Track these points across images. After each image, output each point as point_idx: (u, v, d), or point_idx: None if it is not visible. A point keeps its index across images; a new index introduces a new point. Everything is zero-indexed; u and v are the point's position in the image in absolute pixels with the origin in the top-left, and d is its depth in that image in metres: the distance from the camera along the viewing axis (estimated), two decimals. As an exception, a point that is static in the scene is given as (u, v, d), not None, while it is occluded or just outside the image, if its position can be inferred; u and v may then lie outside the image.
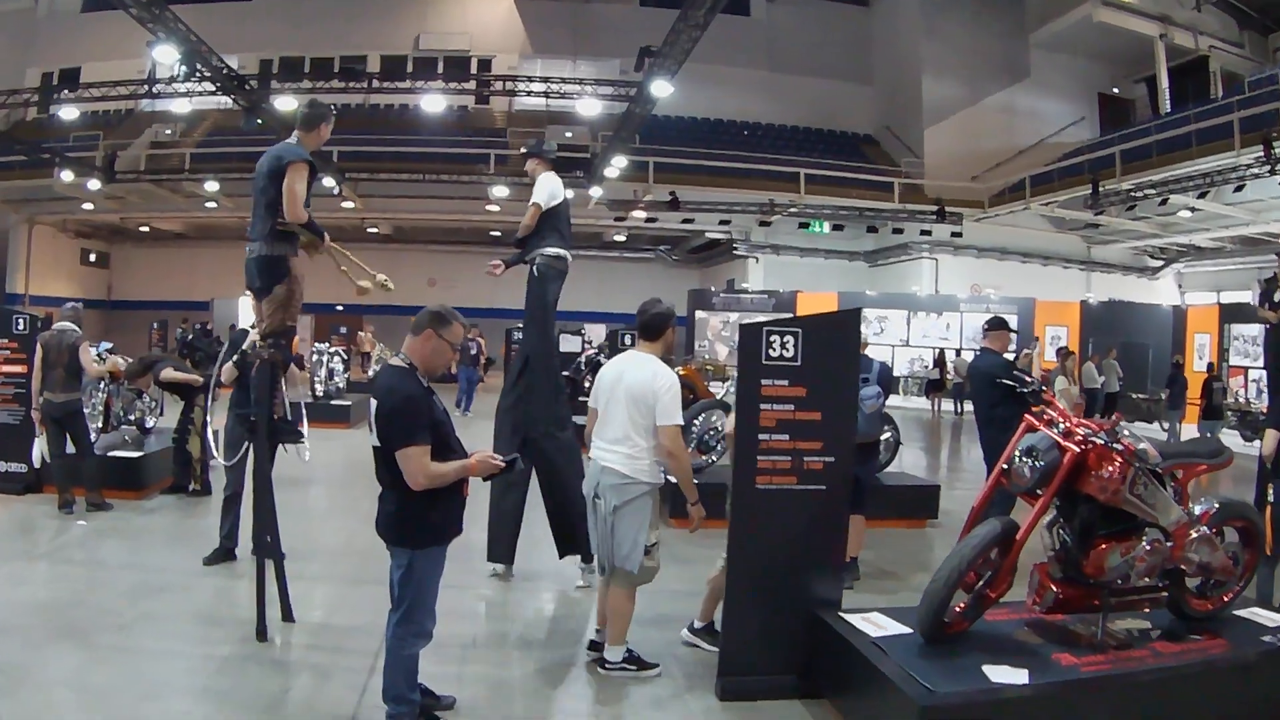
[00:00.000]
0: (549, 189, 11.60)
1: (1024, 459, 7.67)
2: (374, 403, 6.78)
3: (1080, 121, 47.13)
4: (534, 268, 11.78)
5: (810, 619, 8.23)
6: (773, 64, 50.58)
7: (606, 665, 8.78)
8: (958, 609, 7.56)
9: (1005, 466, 7.84)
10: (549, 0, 50.88)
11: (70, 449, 15.24)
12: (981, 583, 7.62)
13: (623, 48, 38.77)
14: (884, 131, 50.29)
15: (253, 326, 10.62)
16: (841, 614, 8.18)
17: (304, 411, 13.26)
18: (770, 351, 8.09)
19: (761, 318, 34.00)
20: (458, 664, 9.00)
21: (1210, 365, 32.94)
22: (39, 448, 15.76)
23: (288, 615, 9.86)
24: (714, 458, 15.70)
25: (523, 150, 12.27)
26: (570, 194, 34.29)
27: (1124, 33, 41.18)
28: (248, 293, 9.87)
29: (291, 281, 9.56)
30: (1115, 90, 48.34)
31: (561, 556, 11.93)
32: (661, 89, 29.63)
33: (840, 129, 51.15)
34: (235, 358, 10.92)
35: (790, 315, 21.99)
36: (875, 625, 7.87)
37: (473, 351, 32.52)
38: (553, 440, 11.73)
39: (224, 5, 48.86)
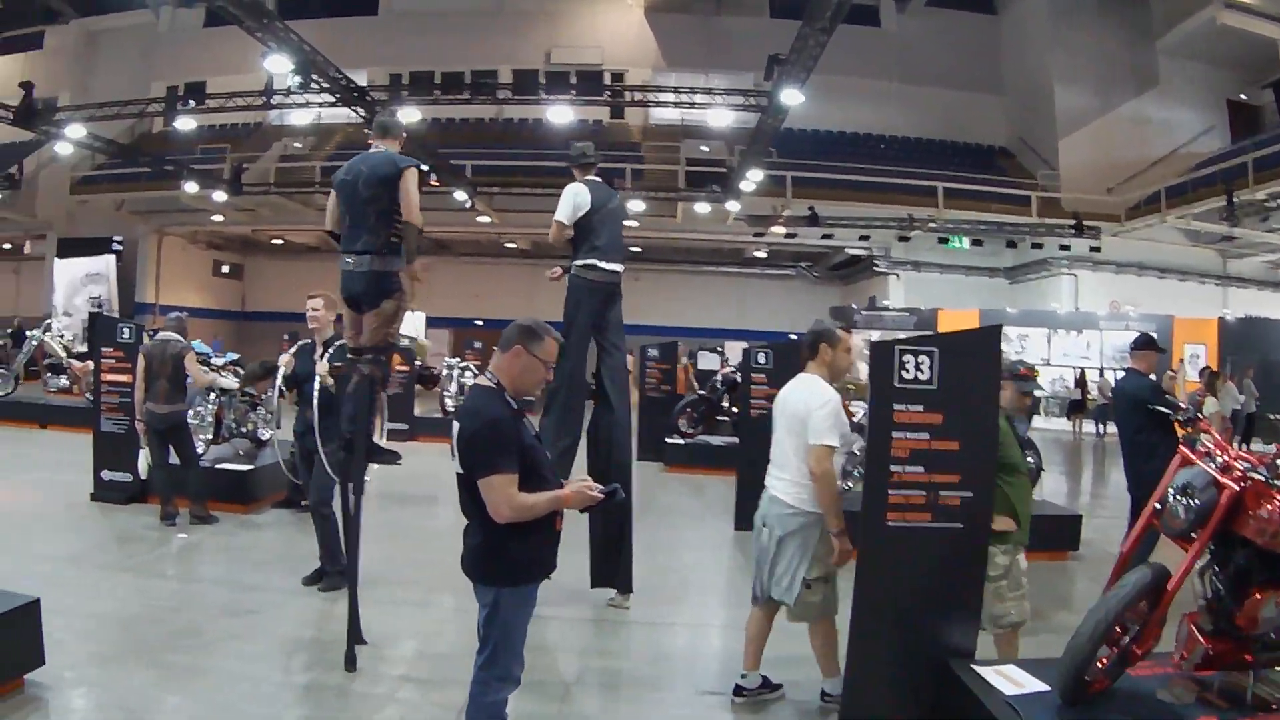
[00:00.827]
0: (572, 202, 11.17)
1: (1179, 497, 6.96)
2: (456, 425, 6.16)
3: (1211, 130, 45.88)
4: (569, 279, 11.44)
5: (941, 670, 7.57)
6: (905, 75, 49.51)
7: (826, 697, 8.43)
8: (1100, 664, 6.89)
9: (1158, 506, 7.18)
10: (680, 13, 50.40)
11: (174, 460, 15.22)
12: (1128, 637, 6.95)
13: (755, 61, 38.04)
14: (1018, 143, 49.27)
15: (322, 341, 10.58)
16: (975, 666, 7.47)
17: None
18: (904, 373, 7.46)
19: (902, 336, 33.64)
20: (559, 703, 8.54)
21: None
22: (145, 458, 15.79)
23: (359, 638, 9.38)
24: (850, 484, 15.11)
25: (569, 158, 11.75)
26: (707, 209, 33.81)
27: (1248, 36, 39.69)
28: (343, 310, 9.60)
29: (402, 296, 9.25)
30: (1243, 97, 46.95)
31: (594, 586, 11.47)
32: (791, 97, 29.15)
33: (974, 141, 50.23)
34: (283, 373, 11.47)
35: (928, 333, 21.37)
36: (1011, 681, 7.12)
37: (620, 369, 31.01)
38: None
39: (352, 20, 49.62)
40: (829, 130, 49.20)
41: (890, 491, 7.45)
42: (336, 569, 11.35)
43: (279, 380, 12.97)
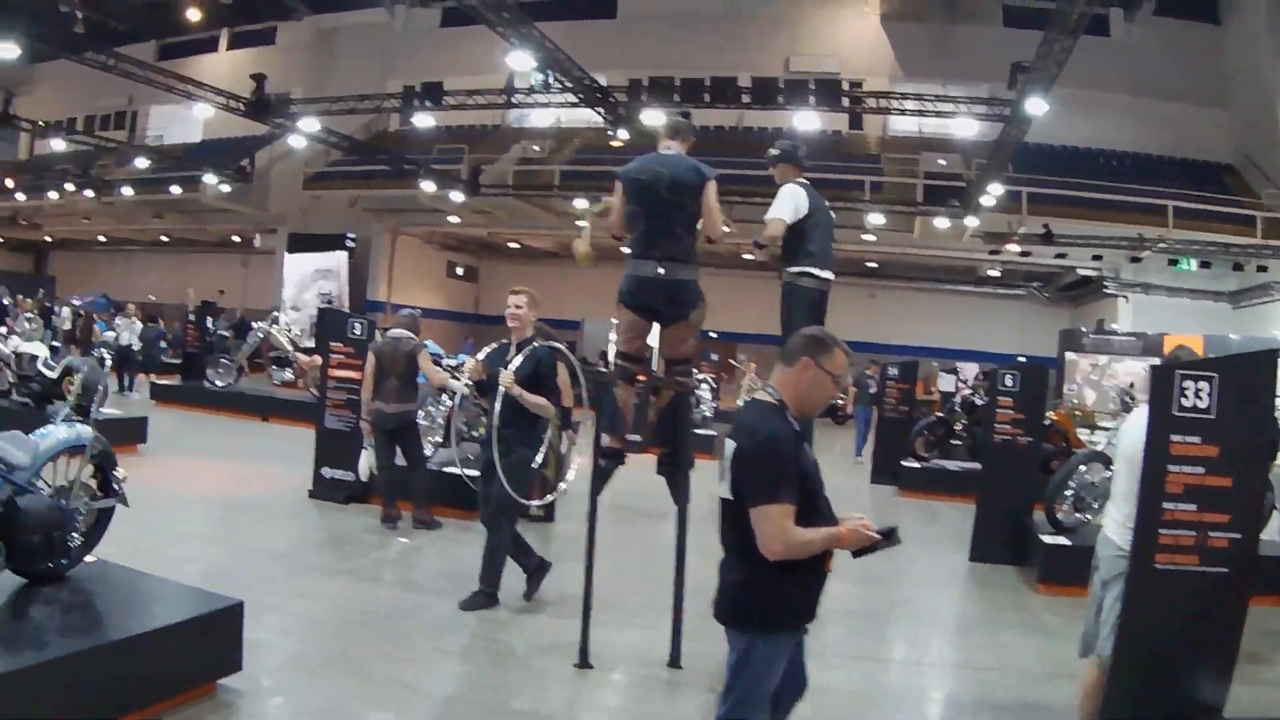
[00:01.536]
0: (793, 202, 10.40)
1: None
2: (730, 444, 5.49)
3: None
4: (781, 287, 10.68)
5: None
6: (1133, 87, 47.65)
7: None
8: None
9: None
10: (915, 22, 49.49)
11: (400, 461, 14.90)
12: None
13: (989, 71, 37.47)
14: (1244, 161, 47.00)
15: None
16: (1223, 726, 6.90)
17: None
18: (1183, 400, 6.87)
19: (1131, 362, 32.99)
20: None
21: None
22: (366, 459, 15.49)
23: (585, 661, 9.07)
24: (1089, 516, 14.39)
25: (771, 153, 11.05)
26: (947, 224, 33.24)
27: None
28: (622, 315, 9.30)
29: (704, 305, 9.11)
30: None
31: None
32: (1036, 107, 28.64)
33: (1201, 158, 47.98)
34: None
35: (1159, 360, 20.74)
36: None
37: (871, 389, 29.58)
38: None
39: (590, 23, 49.25)
40: (1061, 145, 47.72)
41: (1161, 530, 6.88)
42: (487, 590, 10.86)
43: (461, 384, 12.42)
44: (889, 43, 49.38)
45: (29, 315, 24.16)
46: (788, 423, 5.49)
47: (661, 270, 8.72)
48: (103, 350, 23.02)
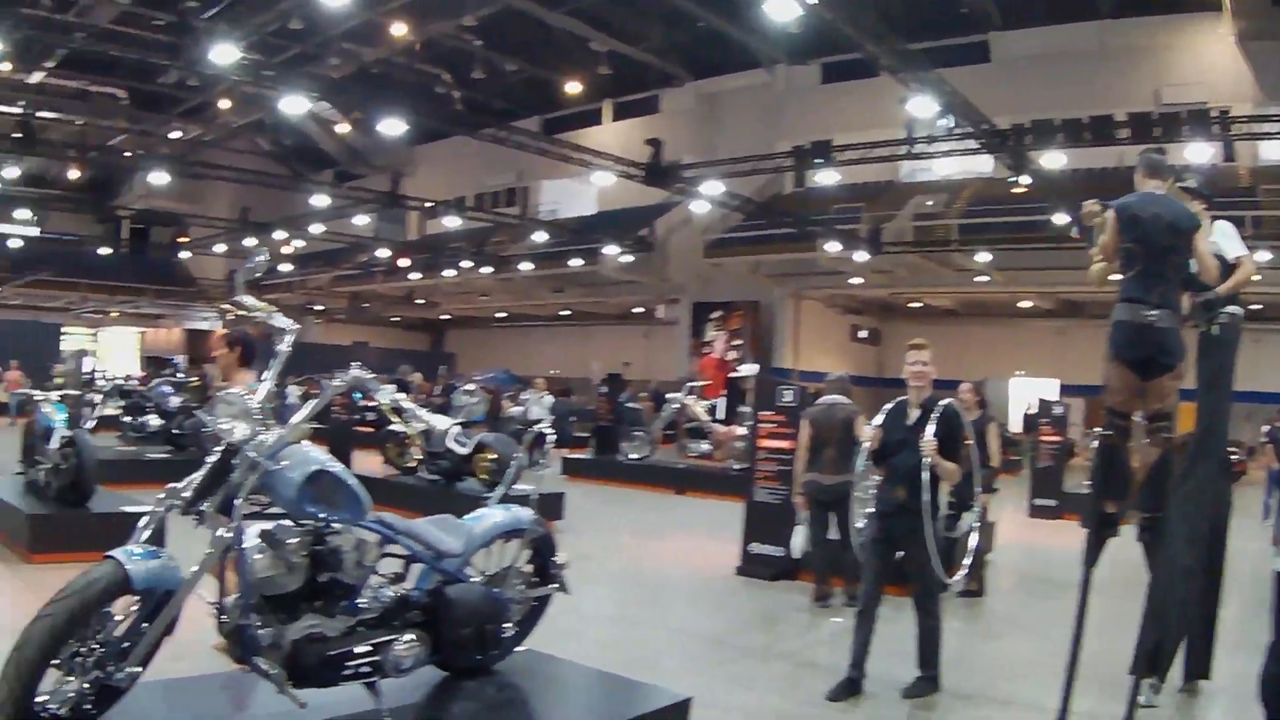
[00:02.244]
0: (1238, 235, 9.80)
1: None
2: None
3: None
4: (1214, 327, 9.35)
5: None
6: None
7: None
8: None
9: None
10: (1270, 40, 45.46)
11: (833, 534, 14.10)
12: None
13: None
14: None
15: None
16: None
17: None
18: None
19: None
20: None
21: None
22: (799, 535, 14.62)
23: None
24: None
25: (1186, 185, 9.88)
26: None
27: None
28: (1111, 368, 8.53)
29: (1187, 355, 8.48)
30: None
31: (1132, 673, 8.73)
32: None
33: None
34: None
35: None
36: None
37: (1288, 444, 26.24)
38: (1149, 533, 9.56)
39: (966, 70, 47.65)
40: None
41: None
42: (927, 674, 9.83)
43: (863, 453, 10.90)
44: (1247, 65, 46.97)
45: (469, 388, 23.80)
46: None
47: (1155, 316, 8.09)
48: (534, 429, 22.42)
